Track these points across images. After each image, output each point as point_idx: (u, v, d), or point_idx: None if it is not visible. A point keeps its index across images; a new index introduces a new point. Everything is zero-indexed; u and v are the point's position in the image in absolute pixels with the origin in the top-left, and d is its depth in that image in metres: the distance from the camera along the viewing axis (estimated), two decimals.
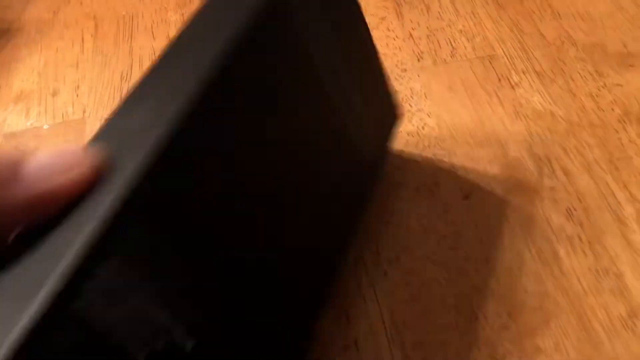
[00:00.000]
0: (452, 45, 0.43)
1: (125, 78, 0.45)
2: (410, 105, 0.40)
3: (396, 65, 0.42)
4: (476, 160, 0.37)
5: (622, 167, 0.36)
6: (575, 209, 0.35)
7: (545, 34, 0.43)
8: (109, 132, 0.19)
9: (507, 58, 0.41)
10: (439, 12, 0.45)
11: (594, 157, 0.37)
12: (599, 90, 0.39)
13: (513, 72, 0.41)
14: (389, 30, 0.44)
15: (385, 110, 0.33)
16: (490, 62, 0.41)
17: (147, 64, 0.45)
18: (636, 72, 0.40)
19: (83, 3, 0.51)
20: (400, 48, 0.43)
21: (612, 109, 0.38)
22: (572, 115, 0.38)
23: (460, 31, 0.43)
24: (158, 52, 0.46)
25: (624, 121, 0.38)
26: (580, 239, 0.34)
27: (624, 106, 0.38)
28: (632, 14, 0.43)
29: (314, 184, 0.26)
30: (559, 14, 0.44)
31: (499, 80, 0.40)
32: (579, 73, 0.40)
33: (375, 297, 0.32)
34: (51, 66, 0.46)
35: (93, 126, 0.42)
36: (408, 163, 0.37)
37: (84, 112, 0.43)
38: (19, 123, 0.43)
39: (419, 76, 0.41)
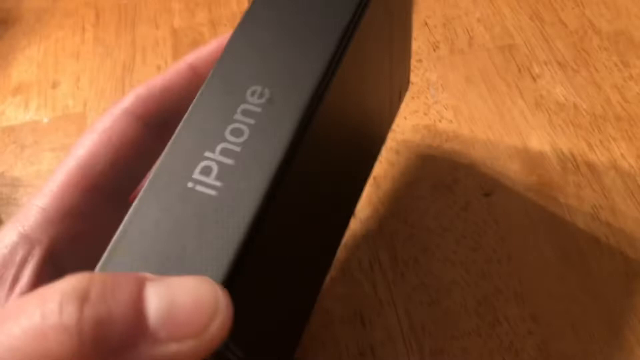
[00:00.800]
0: (469, 34, 0.41)
1: (127, 69, 0.43)
2: (427, 97, 0.38)
3: (412, 55, 0.40)
4: (496, 155, 0.35)
5: None
6: (601, 207, 0.33)
7: (566, 22, 0.41)
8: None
9: (528, 48, 0.40)
10: (455, 0, 0.43)
11: (621, 152, 0.35)
12: (624, 81, 0.37)
13: (534, 62, 0.39)
14: None
15: (403, 78, 0.31)
16: (509, 52, 0.39)
17: (150, 54, 0.43)
18: None
19: None
20: (415, 37, 0.41)
21: (639, 101, 0.36)
22: (596, 108, 0.37)
23: (478, 19, 0.41)
24: (162, 43, 0.44)
25: None
26: (607, 239, 0.32)
27: None
28: None
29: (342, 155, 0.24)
30: (581, 1, 0.42)
31: (519, 71, 0.38)
32: (604, 63, 0.38)
33: (392, 300, 0.30)
34: (51, 57, 0.45)
35: (94, 120, 0.40)
36: (425, 158, 0.35)
37: (85, 105, 0.41)
38: (18, 116, 0.41)
39: (435, 67, 0.39)
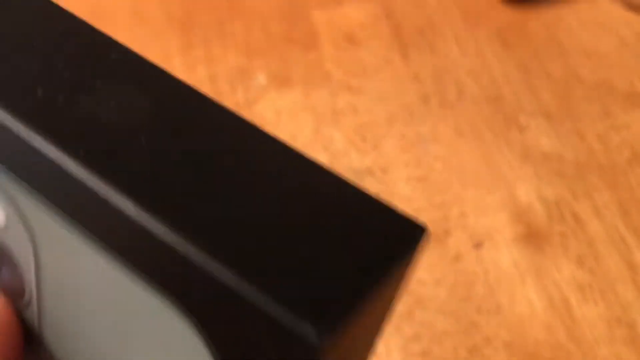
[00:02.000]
0: (458, 86, 0.43)
1: None
2: (417, 150, 0.40)
3: (402, 108, 0.42)
4: (485, 207, 0.37)
5: (633, 211, 0.36)
6: (585, 256, 0.35)
7: (552, 72, 0.43)
8: None
9: (514, 99, 0.42)
10: (444, 53, 0.45)
11: (604, 201, 0.37)
12: (606, 131, 0.39)
13: (520, 113, 0.41)
14: (393, 71, 0.44)
15: None
16: (496, 104, 0.41)
17: None
18: None
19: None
20: (405, 91, 0.43)
21: (621, 151, 0.38)
22: (580, 158, 0.38)
23: (467, 72, 0.44)
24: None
25: (633, 163, 0.38)
26: (591, 287, 0.34)
27: (632, 147, 0.38)
28: (638, 50, 0.43)
29: None
30: (565, 51, 0.44)
31: (507, 122, 0.41)
32: (587, 113, 0.40)
33: (387, 353, 0.32)
34: None
35: None
36: (416, 211, 0.37)
37: None
38: None
39: (425, 119, 0.41)
